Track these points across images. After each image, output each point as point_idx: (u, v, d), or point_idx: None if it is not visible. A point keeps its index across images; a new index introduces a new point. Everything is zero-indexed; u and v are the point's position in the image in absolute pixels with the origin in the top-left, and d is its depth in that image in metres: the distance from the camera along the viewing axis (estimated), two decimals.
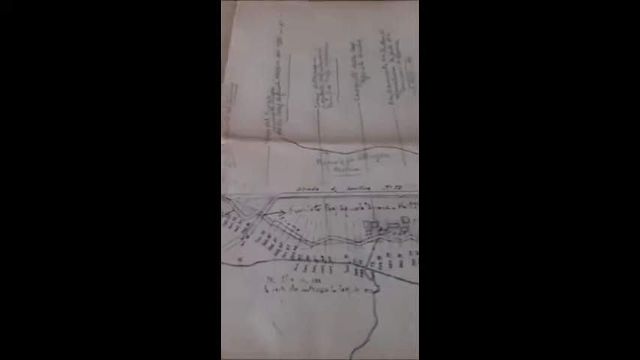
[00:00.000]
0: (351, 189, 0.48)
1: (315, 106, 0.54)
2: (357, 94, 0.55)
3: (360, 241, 0.44)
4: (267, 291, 0.42)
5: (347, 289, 0.42)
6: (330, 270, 0.43)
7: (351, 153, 0.50)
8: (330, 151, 0.50)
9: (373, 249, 0.44)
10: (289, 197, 0.47)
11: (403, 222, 0.45)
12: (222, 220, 0.45)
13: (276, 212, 0.46)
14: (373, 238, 0.44)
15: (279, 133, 0.51)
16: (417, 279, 0.42)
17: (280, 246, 0.44)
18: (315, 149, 0.50)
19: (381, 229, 0.45)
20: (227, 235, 0.44)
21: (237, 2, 0.61)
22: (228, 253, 0.43)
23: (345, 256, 0.43)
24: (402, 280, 0.42)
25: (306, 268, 0.43)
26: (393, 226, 0.45)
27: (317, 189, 0.47)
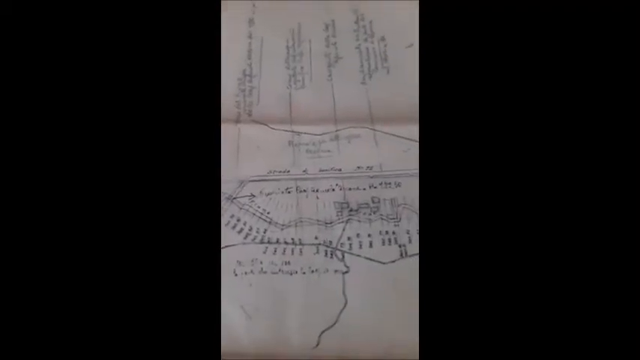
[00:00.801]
0: (323, 171, 0.47)
1: (288, 88, 0.53)
2: (330, 75, 0.54)
3: (331, 222, 0.44)
4: (236, 275, 0.41)
5: (317, 270, 0.42)
6: (300, 252, 0.42)
7: (323, 134, 0.49)
8: (302, 133, 0.49)
9: (344, 230, 0.43)
10: (260, 180, 0.46)
11: (373, 202, 0.45)
12: None
13: (246, 196, 0.45)
14: (344, 219, 0.44)
15: (249, 115, 0.50)
16: (386, 258, 0.42)
17: (250, 229, 0.44)
18: (286, 131, 0.49)
19: (351, 210, 0.44)
20: None
21: None
22: None
23: (316, 238, 0.43)
24: (371, 260, 0.42)
25: (275, 251, 0.43)
26: (364, 206, 0.45)
27: (288, 171, 0.47)
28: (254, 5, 0.59)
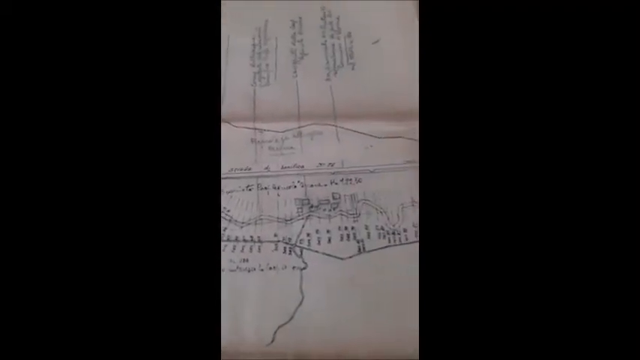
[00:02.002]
0: (285, 168, 0.47)
1: (252, 85, 0.53)
2: (295, 72, 0.54)
3: (291, 219, 0.44)
4: None
5: (275, 267, 0.42)
6: (259, 249, 0.43)
7: (285, 131, 0.49)
8: (265, 130, 0.49)
9: (303, 226, 0.44)
10: (221, 178, 0.46)
11: (334, 198, 0.45)
12: None
13: None
14: (304, 216, 0.44)
15: None
16: (344, 254, 0.42)
17: None
18: (249, 128, 0.49)
19: (312, 207, 0.45)
20: None
21: None
22: None
23: (275, 235, 0.43)
24: (329, 255, 0.42)
25: (234, 249, 0.43)
26: (324, 202, 0.45)
27: (250, 169, 0.47)
28: (222, 4, 0.59)
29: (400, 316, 0.39)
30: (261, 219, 0.44)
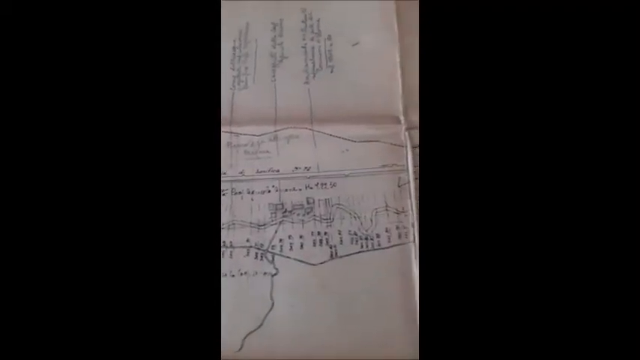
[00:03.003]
0: (260, 172, 0.47)
1: (231, 89, 0.53)
2: (274, 75, 0.54)
3: (264, 225, 0.44)
4: None
5: (246, 272, 0.41)
6: (231, 255, 0.42)
7: (262, 135, 0.49)
8: (241, 134, 0.49)
9: (276, 232, 0.43)
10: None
11: (308, 203, 0.45)
12: None
13: None
14: (277, 221, 0.44)
15: None
16: (316, 260, 0.42)
17: None
18: (225, 132, 0.49)
19: (285, 211, 0.44)
20: None
21: None
22: None
23: (247, 240, 0.43)
24: (300, 261, 0.42)
25: None
26: (298, 207, 0.44)
27: (225, 173, 0.47)
28: None
29: (371, 322, 0.39)
30: (234, 224, 0.44)
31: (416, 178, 0.45)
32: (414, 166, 0.46)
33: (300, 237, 0.43)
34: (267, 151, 0.48)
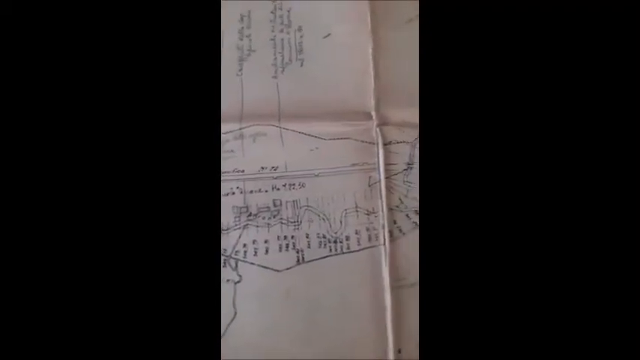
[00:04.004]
0: (224, 173, 0.45)
1: None
2: (241, 70, 0.51)
3: (227, 229, 0.42)
4: None
5: None
6: None
7: (226, 133, 0.47)
8: None
9: (240, 236, 0.41)
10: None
11: (275, 205, 0.43)
12: None
13: None
14: (241, 225, 0.42)
15: None
16: (281, 266, 0.40)
17: None
18: None
19: (250, 215, 0.42)
20: None
21: None
22: None
23: None
24: (265, 267, 0.40)
25: None
26: (264, 210, 0.42)
27: None
28: None
29: (339, 330, 0.37)
30: None
31: (387, 177, 0.43)
32: (385, 164, 0.44)
33: (266, 242, 0.41)
34: (232, 151, 0.46)
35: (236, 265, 0.40)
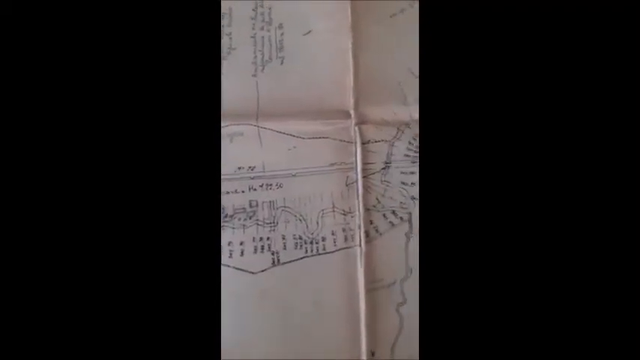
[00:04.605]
0: None
1: None
2: (220, 68, 0.51)
3: None
4: None
5: None
6: None
7: None
8: None
9: None
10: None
11: (251, 206, 0.42)
12: None
13: None
14: None
15: None
16: (256, 268, 0.39)
17: None
18: None
19: (226, 216, 0.42)
20: None
21: None
22: None
23: None
24: (240, 269, 0.39)
25: None
26: (239, 211, 0.42)
27: None
28: None
29: (314, 332, 0.37)
30: None
31: (364, 176, 0.43)
32: (363, 164, 0.43)
33: (241, 243, 0.41)
34: None
35: None
